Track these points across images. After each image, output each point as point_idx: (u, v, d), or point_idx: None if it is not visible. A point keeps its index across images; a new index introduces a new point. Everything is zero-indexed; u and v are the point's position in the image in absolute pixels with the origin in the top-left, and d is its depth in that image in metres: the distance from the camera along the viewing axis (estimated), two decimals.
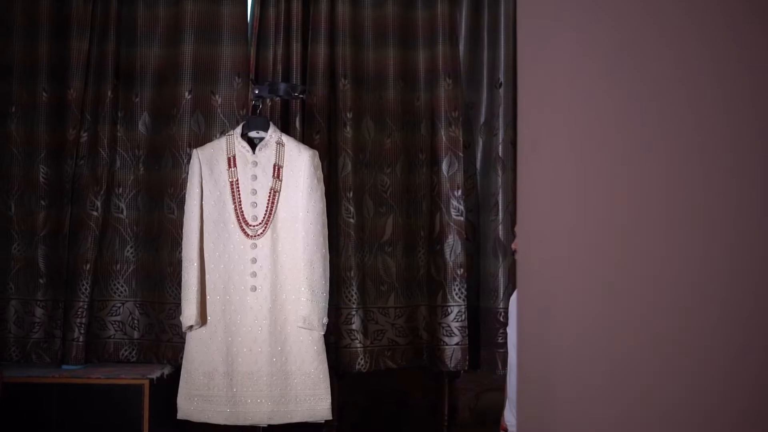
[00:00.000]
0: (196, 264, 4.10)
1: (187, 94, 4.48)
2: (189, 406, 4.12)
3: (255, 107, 4.18)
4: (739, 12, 1.34)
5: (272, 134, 4.15)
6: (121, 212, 4.52)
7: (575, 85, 1.76)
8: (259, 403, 4.08)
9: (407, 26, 4.59)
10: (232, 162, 4.14)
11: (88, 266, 4.43)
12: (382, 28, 4.57)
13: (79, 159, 4.48)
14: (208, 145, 4.20)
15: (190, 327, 4.10)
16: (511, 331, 3.57)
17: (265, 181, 4.13)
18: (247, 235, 4.10)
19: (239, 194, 4.12)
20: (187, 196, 4.18)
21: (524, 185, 1.92)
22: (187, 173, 4.27)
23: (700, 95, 1.42)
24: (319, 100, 4.48)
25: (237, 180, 4.13)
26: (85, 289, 4.43)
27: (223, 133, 4.32)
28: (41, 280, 4.43)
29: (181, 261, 4.21)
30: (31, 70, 4.48)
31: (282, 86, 4.15)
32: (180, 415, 4.15)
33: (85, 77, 4.47)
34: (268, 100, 4.34)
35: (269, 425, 4.16)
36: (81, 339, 4.40)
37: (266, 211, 4.11)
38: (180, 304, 4.19)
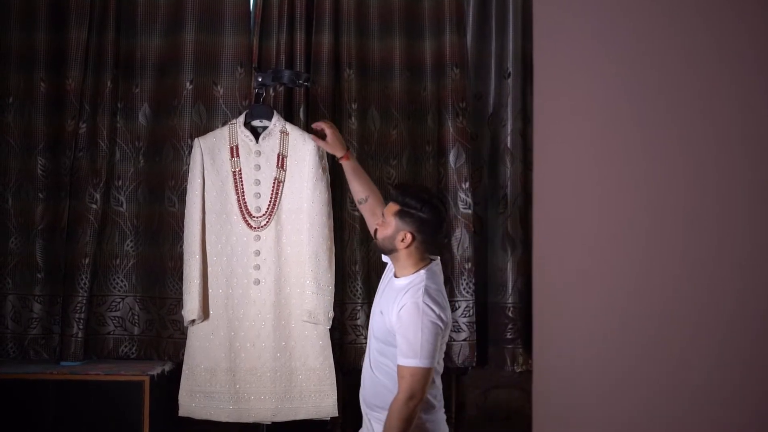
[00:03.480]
0: (197, 257, 4.03)
1: (188, 84, 4.41)
2: (191, 402, 4.05)
3: (258, 95, 4.11)
4: (751, 12, 1.28)
5: (276, 123, 4.08)
6: (121, 205, 4.45)
7: (591, 79, 1.68)
8: (262, 399, 4.01)
9: (413, 15, 4.51)
10: (234, 151, 4.06)
11: (87, 261, 4.36)
12: (387, 16, 4.49)
13: (77, 151, 4.40)
14: (210, 135, 4.13)
15: (192, 321, 4.04)
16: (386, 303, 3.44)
17: (269, 172, 4.06)
18: (251, 226, 4.04)
19: (242, 184, 4.05)
20: (188, 186, 4.11)
21: (540, 179, 1.84)
22: (188, 165, 4.20)
23: (712, 90, 1.36)
24: (323, 91, 4.40)
25: (240, 170, 4.06)
26: (84, 284, 4.35)
27: (225, 122, 4.25)
28: (39, 275, 4.36)
29: (183, 254, 4.14)
30: (29, 60, 4.39)
31: (286, 73, 4.07)
32: (181, 412, 4.09)
33: (83, 67, 4.39)
34: (271, 89, 4.26)
35: (272, 422, 4.09)
36: (80, 335, 4.33)
37: (270, 201, 4.04)
38: (181, 298, 4.12)
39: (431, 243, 3.43)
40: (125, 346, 4.44)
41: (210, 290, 4.05)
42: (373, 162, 4.46)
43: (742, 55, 1.25)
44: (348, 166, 3.81)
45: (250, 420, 4.07)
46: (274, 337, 4.02)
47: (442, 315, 3.28)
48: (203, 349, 4.04)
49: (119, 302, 4.45)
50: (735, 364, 1.28)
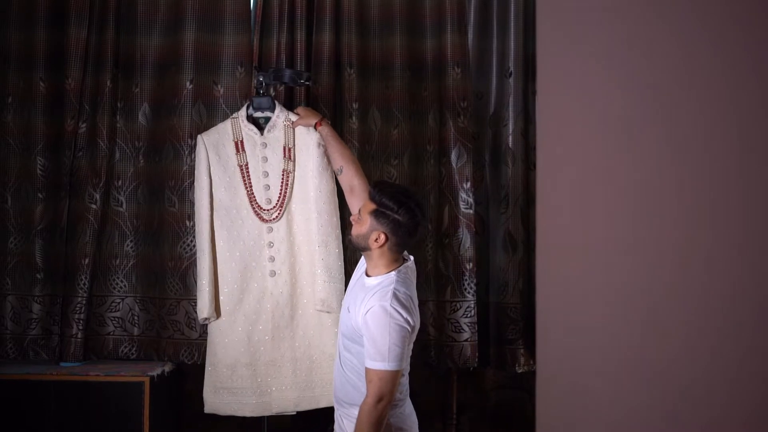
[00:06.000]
0: (207, 254, 4.01)
1: (188, 83, 4.39)
2: (215, 399, 4.04)
3: (259, 95, 4.09)
4: (749, 16, 1.27)
5: (279, 114, 4.07)
6: (121, 205, 4.43)
7: (595, 78, 1.67)
8: (284, 390, 4.01)
9: (414, 14, 4.49)
10: (239, 146, 4.06)
11: (87, 261, 4.34)
12: (388, 15, 4.47)
13: (77, 150, 4.39)
14: (213, 130, 4.11)
15: (206, 319, 4.02)
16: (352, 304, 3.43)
17: (276, 163, 4.04)
18: (263, 219, 4.02)
19: (250, 178, 4.04)
20: (195, 184, 4.09)
21: (544, 181, 1.82)
22: (189, 165, 4.20)
23: (721, 90, 1.35)
24: (324, 90, 4.38)
25: (247, 164, 4.05)
26: (84, 285, 4.34)
27: (226, 117, 4.22)
28: (38, 275, 4.33)
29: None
30: (28, 59, 4.37)
31: (287, 73, 4.06)
32: (207, 409, 4.08)
33: (83, 66, 4.37)
34: (272, 89, 4.25)
35: (296, 412, 4.07)
36: (79, 335, 4.32)
37: (280, 193, 4.03)
38: (182, 298, 4.13)
39: (405, 245, 3.42)
40: (125, 347, 4.42)
41: (225, 287, 4.03)
42: (374, 162, 4.44)
43: (751, 56, 1.23)
44: (322, 132, 3.94)
45: (273, 412, 4.05)
46: (291, 327, 4.02)
47: (410, 319, 3.26)
48: (223, 345, 4.03)
49: (119, 303, 4.43)
50: (744, 363, 1.26)
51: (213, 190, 4.05)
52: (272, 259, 4.02)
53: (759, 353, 1.25)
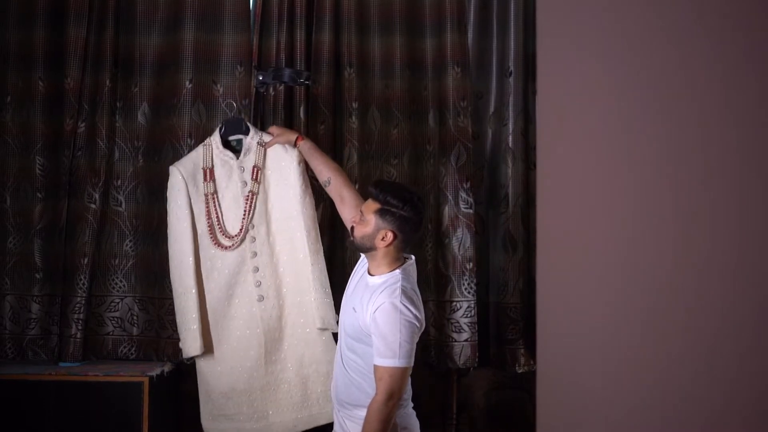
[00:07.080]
0: (194, 291, 3.95)
1: (187, 83, 4.38)
2: (214, 426, 4.00)
3: (259, 94, 4.08)
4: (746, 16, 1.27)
5: (253, 136, 4.00)
6: (120, 205, 4.42)
7: (595, 77, 1.66)
8: (281, 413, 3.96)
9: (414, 13, 4.48)
10: (208, 174, 3.99)
11: (86, 260, 4.33)
12: (388, 15, 4.47)
13: (76, 150, 4.38)
14: (187, 160, 4.04)
15: (196, 356, 3.99)
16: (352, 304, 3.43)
17: (251, 186, 4.00)
18: (223, 246, 3.95)
19: (216, 207, 3.97)
20: (173, 218, 4.00)
21: (544, 181, 1.82)
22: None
23: (724, 89, 1.35)
24: (323, 90, 4.38)
25: (214, 192, 3.97)
26: (83, 284, 4.33)
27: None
28: (37, 275, 4.32)
29: (173, 288, 4.06)
30: (27, 58, 4.36)
31: (287, 72, 4.05)
32: None
33: (82, 66, 4.36)
34: (271, 88, 4.24)
35: None
36: (79, 335, 4.31)
37: (244, 215, 3.97)
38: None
39: (410, 241, 3.43)
40: (124, 347, 4.42)
41: (213, 316, 3.97)
42: (374, 161, 4.43)
43: (751, 56, 1.23)
44: (304, 147, 3.91)
45: None
46: (282, 349, 3.97)
47: (418, 315, 3.27)
48: (216, 374, 3.98)
49: (118, 302, 4.42)
50: (744, 363, 1.26)
51: (195, 221, 3.99)
52: (258, 283, 3.98)
53: (759, 353, 1.25)
